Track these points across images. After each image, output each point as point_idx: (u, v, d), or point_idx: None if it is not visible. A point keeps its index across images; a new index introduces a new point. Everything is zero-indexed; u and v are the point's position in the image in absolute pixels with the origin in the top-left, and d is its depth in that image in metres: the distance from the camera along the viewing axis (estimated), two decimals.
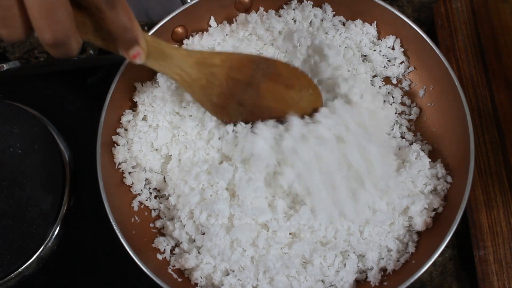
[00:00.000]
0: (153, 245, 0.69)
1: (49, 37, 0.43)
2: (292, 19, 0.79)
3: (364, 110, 0.72)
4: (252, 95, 0.66)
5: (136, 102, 0.74)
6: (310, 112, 0.68)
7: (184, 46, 0.78)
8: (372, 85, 0.77)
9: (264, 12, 0.80)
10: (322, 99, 0.69)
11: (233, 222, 0.67)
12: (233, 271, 0.66)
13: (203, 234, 0.67)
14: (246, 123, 0.69)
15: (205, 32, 0.79)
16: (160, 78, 0.74)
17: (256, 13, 0.80)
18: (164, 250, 0.69)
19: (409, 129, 0.76)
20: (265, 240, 0.66)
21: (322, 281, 0.66)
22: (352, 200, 0.66)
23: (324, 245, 0.67)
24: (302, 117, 0.68)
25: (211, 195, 0.68)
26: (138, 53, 0.54)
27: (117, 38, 0.51)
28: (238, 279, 0.65)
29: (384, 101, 0.77)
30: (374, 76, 0.79)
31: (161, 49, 0.60)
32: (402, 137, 0.75)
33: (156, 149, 0.73)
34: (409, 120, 0.77)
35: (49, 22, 0.42)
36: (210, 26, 0.78)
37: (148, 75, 0.76)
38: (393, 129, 0.75)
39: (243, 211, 0.66)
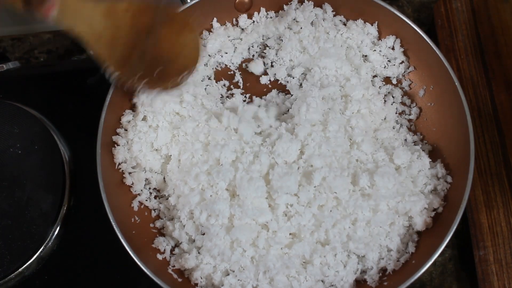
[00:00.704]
0: (153, 245, 0.69)
1: None
2: (294, 19, 0.79)
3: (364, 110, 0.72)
4: (152, 43, 0.67)
5: (136, 103, 0.74)
6: (189, 63, 0.70)
7: None
8: (372, 85, 0.77)
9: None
10: (199, 47, 0.71)
11: (233, 222, 0.67)
12: (233, 271, 0.66)
13: (203, 234, 0.67)
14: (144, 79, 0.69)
15: (206, 32, 0.79)
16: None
17: (259, 14, 0.80)
18: (164, 250, 0.69)
19: (409, 129, 0.76)
20: (265, 240, 0.66)
21: (322, 281, 0.66)
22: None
23: (324, 245, 0.67)
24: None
25: (211, 195, 0.68)
26: (51, 6, 0.56)
27: None
28: (238, 279, 0.65)
29: (385, 101, 0.77)
30: (374, 76, 0.79)
31: (70, 4, 0.60)
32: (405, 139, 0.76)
33: (156, 150, 0.73)
34: (409, 120, 0.77)
35: None
36: (213, 27, 0.78)
37: None
38: (394, 128, 0.75)
39: (243, 211, 0.66)
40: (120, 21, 0.65)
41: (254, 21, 0.82)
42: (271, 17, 0.82)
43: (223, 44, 0.80)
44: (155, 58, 0.68)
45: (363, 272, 0.68)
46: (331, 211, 0.67)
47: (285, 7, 0.80)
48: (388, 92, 0.78)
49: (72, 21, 0.61)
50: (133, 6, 0.65)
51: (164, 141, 0.72)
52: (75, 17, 0.62)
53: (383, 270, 0.68)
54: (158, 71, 0.67)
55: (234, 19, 0.81)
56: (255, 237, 0.66)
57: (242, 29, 0.82)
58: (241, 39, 0.81)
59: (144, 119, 0.73)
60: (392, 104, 0.77)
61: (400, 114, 0.77)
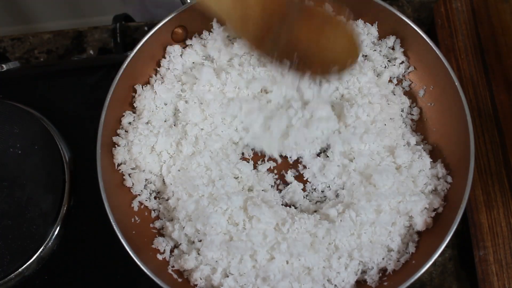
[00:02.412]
0: (153, 245, 0.69)
1: None
2: None
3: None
4: (287, 30, 0.65)
5: (136, 106, 0.75)
6: (345, 63, 0.67)
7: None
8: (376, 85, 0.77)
9: None
10: (359, 43, 0.69)
11: (231, 236, 0.67)
12: (233, 274, 0.66)
13: (200, 241, 0.67)
14: (282, 60, 0.68)
15: (206, 32, 0.79)
16: (158, 87, 0.75)
17: None
18: (164, 250, 0.69)
19: (412, 129, 0.76)
20: (265, 252, 0.66)
21: (323, 285, 0.66)
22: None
23: (332, 254, 0.67)
24: (337, 68, 0.67)
25: (207, 205, 0.68)
26: None
27: None
28: (237, 282, 0.65)
29: (387, 100, 0.77)
30: (378, 75, 0.79)
31: None
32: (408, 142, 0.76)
33: (157, 154, 0.73)
34: (411, 120, 0.77)
35: None
36: (213, 28, 0.78)
37: (147, 78, 0.77)
38: (400, 126, 0.75)
39: (239, 230, 0.67)
40: (250, 2, 0.64)
41: None
42: None
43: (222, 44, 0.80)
44: (292, 42, 0.66)
45: (363, 272, 0.68)
46: (341, 220, 0.67)
47: None
48: (391, 91, 0.78)
49: None
50: None
51: (164, 147, 0.72)
52: None
53: (383, 270, 0.68)
54: (296, 57, 0.66)
55: None
56: (253, 253, 0.66)
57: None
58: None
59: (145, 122, 0.73)
60: (397, 103, 0.77)
61: (403, 111, 0.77)
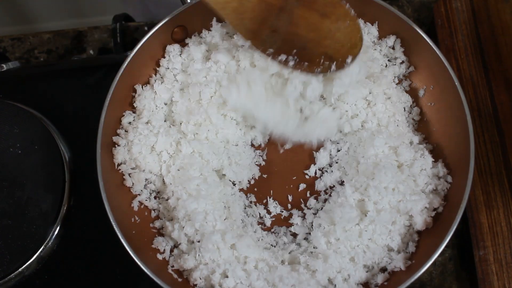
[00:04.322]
0: (153, 245, 0.69)
1: None
2: None
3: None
4: (285, 21, 0.63)
5: (136, 106, 0.75)
6: (346, 49, 0.64)
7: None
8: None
9: None
10: (361, 33, 0.65)
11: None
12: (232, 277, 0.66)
13: (198, 241, 0.67)
14: (279, 55, 0.64)
15: (206, 32, 0.79)
16: (158, 87, 0.75)
17: None
18: (164, 250, 0.69)
19: (414, 128, 0.76)
20: (269, 257, 0.67)
21: (324, 286, 0.66)
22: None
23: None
24: (338, 57, 0.63)
25: (206, 205, 0.68)
26: None
27: None
28: (237, 283, 0.65)
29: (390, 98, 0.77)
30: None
31: None
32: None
33: (157, 153, 0.73)
34: (413, 119, 0.77)
35: None
36: (212, 26, 0.78)
37: (147, 78, 0.77)
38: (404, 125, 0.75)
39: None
40: None
41: None
42: None
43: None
44: (291, 37, 0.63)
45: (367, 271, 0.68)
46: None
47: None
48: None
49: None
50: None
51: (163, 147, 0.72)
52: None
53: (383, 270, 0.68)
54: (295, 52, 0.62)
55: None
56: (259, 258, 0.66)
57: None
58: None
59: (144, 122, 0.73)
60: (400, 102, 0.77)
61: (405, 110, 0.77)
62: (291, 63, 0.64)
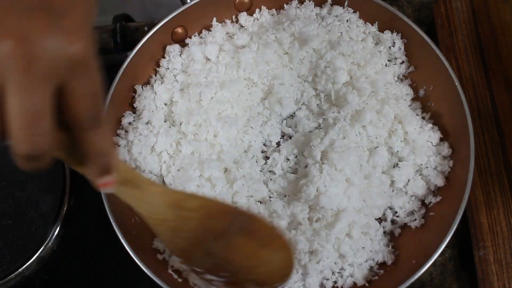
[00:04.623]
0: (153, 245, 0.69)
1: (25, 149, 0.38)
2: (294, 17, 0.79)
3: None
4: (221, 247, 0.60)
5: (136, 107, 0.75)
6: (278, 277, 0.61)
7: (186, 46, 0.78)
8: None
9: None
10: (293, 266, 0.61)
11: None
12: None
13: None
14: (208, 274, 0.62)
15: (206, 32, 0.79)
16: (158, 87, 0.74)
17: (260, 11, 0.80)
18: (164, 250, 0.69)
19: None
20: None
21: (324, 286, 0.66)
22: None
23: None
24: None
25: None
26: (107, 183, 0.47)
27: (91, 162, 0.44)
28: None
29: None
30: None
31: (134, 182, 0.53)
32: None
33: (156, 153, 0.73)
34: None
35: (29, 134, 0.37)
36: (212, 26, 0.78)
37: (147, 78, 0.77)
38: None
39: None
40: (186, 215, 0.58)
41: (254, 19, 0.81)
42: (272, 15, 0.81)
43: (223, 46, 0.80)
44: (223, 263, 0.61)
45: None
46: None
47: (285, 6, 0.80)
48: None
49: (131, 200, 0.55)
50: (205, 209, 0.58)
51: (164, 147, 0.72)
52: (135, 197, 0.55)
53: (383, 270, 0.68)
54: (224, 278, 0.61)
55: (233, 17, 0.81)
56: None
57: (242, 26, 0.81)
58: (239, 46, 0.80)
59: (144, 122, 0.73)
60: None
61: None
62: (217, 283, 0.62)
